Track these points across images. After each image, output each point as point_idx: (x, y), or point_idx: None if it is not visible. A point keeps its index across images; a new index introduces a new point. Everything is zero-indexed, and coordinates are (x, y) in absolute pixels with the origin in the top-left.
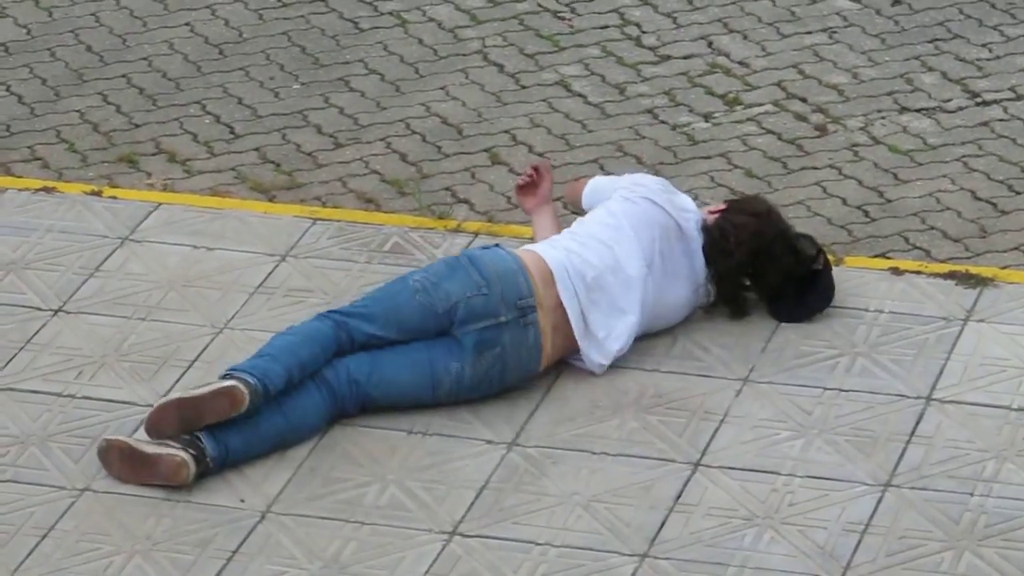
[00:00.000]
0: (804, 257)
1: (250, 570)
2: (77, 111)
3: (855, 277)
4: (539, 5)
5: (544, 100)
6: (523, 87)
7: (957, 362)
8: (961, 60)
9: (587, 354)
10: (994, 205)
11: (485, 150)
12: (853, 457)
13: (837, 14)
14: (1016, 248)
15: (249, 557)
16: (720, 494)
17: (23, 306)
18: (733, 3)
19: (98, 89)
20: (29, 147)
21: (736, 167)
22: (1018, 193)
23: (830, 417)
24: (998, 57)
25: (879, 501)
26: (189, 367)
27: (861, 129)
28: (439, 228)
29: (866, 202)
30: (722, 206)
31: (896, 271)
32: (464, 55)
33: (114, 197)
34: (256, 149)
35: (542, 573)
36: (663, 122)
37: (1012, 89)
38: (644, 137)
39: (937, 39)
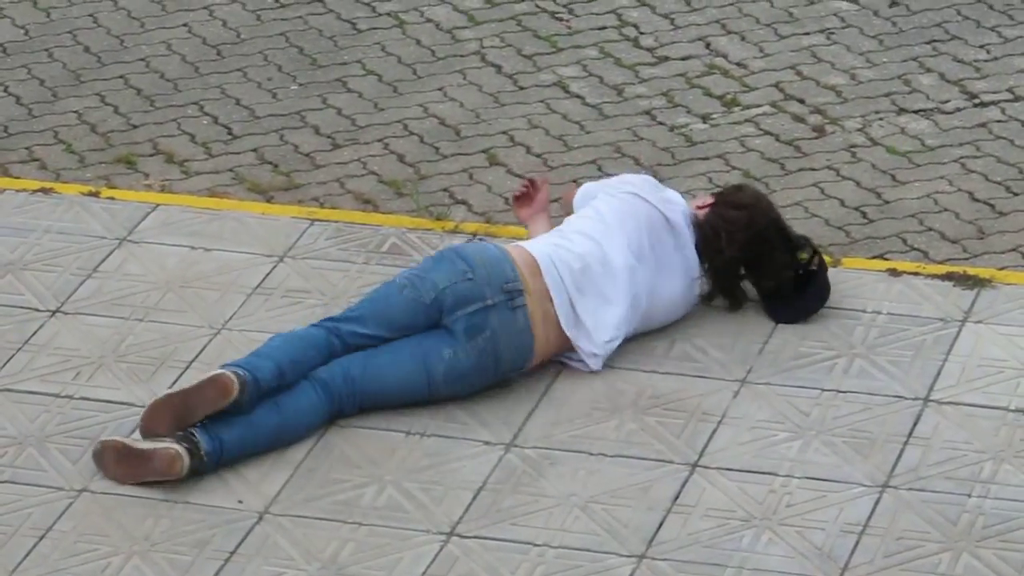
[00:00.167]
0: (795, 241)
1: (248, 571)
2: (75, 112)
3: (853, 278)
4: (537, 6)
5: (542, 101)
6: (521, 88)
7: (955, 363)
8: (959, 61)
9: (577, 343)
10: (992, 206)
11: (483, 151)
12: (851, 458)
13: (835, 15)
14: (1014, 249)
15: (247, 558)
16: (718, 495)
17: (21, 307)
18: (731, 4)
19: (96, 90)
20: (27, 148)
21: (734, 168)
22: (1016, 194)
23: (828, 418)
24: (996, 58)
25: (877, 502)
26: (187, 368)
27: (859, 130)
28: (437, 229)
29: (864, 203)
30: (709, 200)
31: (894, 272)
32: (462, 56)
33: (112, 198)
34: (254, 150)
35: (540, 574)
36: (661, 123)
37: (1010, 90)
38: (642, 138)
39: (935, 40)
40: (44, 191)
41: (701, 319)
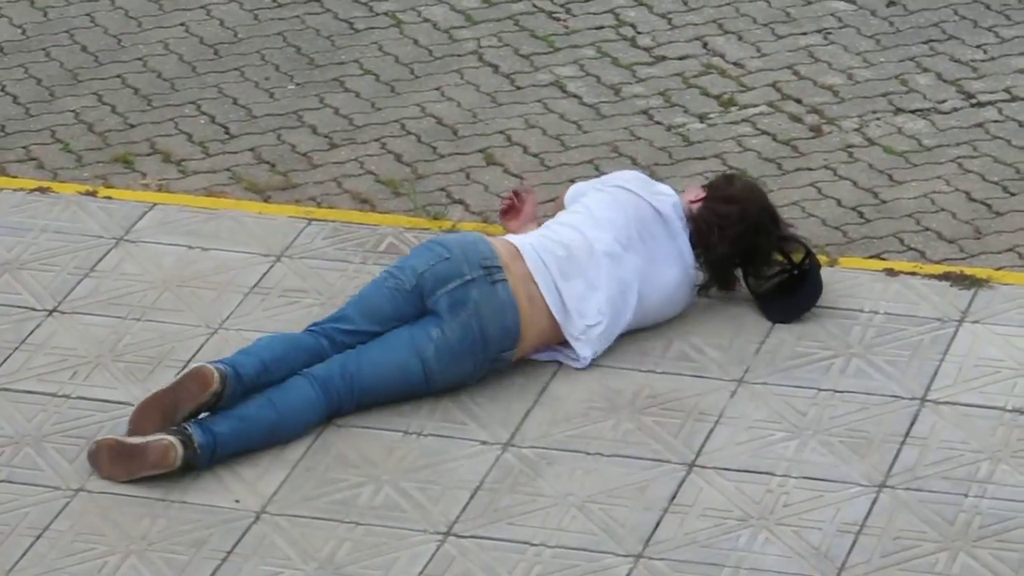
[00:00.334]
0: (786, 232)
1: (245, 571)
2: (72, 111)
3: (850, 278)
4: (534, 6)
5: (539, 101)
6: (518, 88)
7: (952, 363)
8: (956, 61)
9: (566, 328)
10: (989, 206)
11: (480, 151)
12: (848, 458)
13: (832, 15)
14: (1011, 249)
15: (244, 558)
16: (715, 495)
17: (18, 306)
18: (728, 4)
19: (93, 89)
20: (24, 147)
21: (731, 168)
22: (1013, 194)
23: (825, 418)
24: (993, 58)
25: (874, 502)
26: (184, 367)
27: (856, 130)
28: (434, 228)
29: (861, 203)
30: (701, 193)
31: (891, 272)
32: (459, 56)
33: (109, 197)
34: (251, 149)
35: (537, 574)
36: (658, 123)
37: (1007, 90)
38: (639, 138)
39: (932, 40)
40: (41, 190)
41: (698, 319)
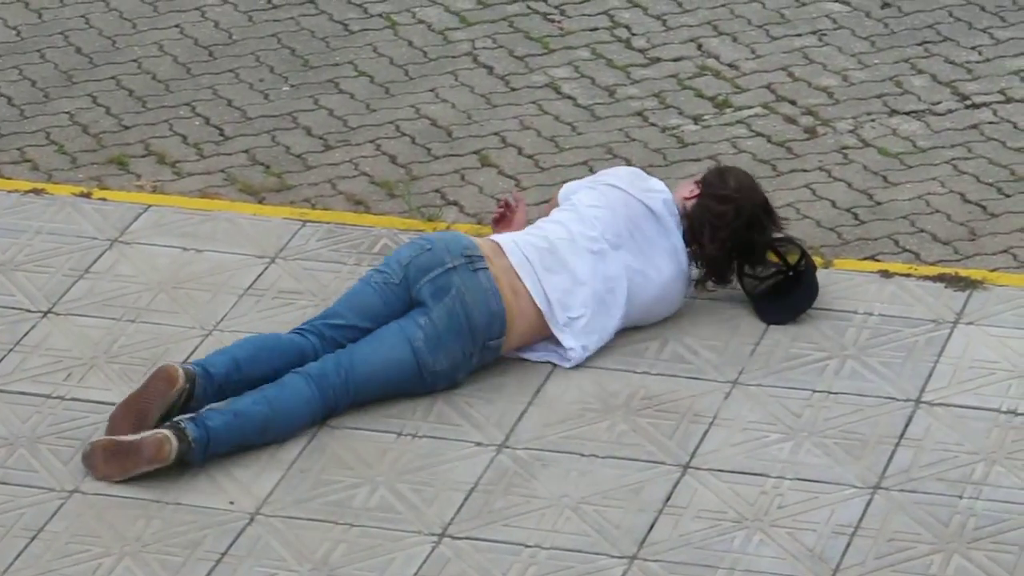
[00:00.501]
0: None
1: (239, 572)
2: (67, 113)
3: (844, 279)
4: (529, 7)
5: (534, 102)
6: (513, 89)
7: (946, 365)
8: (951, 63)
9: (550, 319)
10: (983, 208)
11: (475, 152)
12: (842, 460)
13: (827, 16)
14: (1005, 251)
15: (238, 559)
16: (709, 496)
17: (12, 308)
18: (723, 5)
19: (88, 91)
20: (19, 149)
21: None
22: (1007, 196)
23: (819, 419)
24: (988, 60)
25: (868, 503)
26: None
27: (851, 131)
28: (429, 230)
29: (856, 204)
30: (696, 190)
31: (885, 273)
32: (454, 57)
33: (104, 199)
34: (246, 151)
35: (531, 575)
36: (653, 124)
37: (1002, 92)
38: (634, 139)
39: (927, 42)
40: (36, 192)
41: (693, 320)
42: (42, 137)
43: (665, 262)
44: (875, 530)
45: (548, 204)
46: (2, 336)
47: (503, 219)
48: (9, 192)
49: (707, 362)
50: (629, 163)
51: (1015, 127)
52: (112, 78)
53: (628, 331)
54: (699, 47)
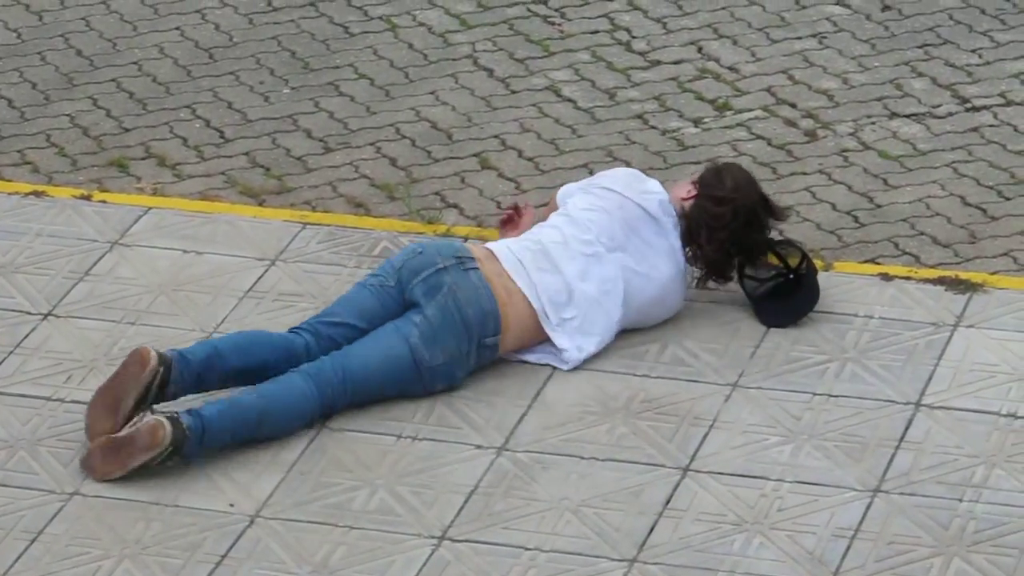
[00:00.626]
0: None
1: (239, 574)
2: (67, 115)
3: (844, 283)
4: (529, 10)
5: (534, 105)
6: (513, 92)
7: (946, 368)
8: (951, 66)
9: (543, 319)
10: (984, 211)
11: (475, 155)
12: (842, 463)
13: (827, 19)
14: (1005, 254)
15: (238, 562)
16: (709, 499)
17: (12, 310)
18: (723, 8)
19: (88, 93)
20: (19, 151)
21: None
22: (1008, 199)
23: (819, 422)
24: (988, 63)
25: (868, 507)
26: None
27: (851, 134)
28: (429, 232)
29: (856, 207)
30: (693, 190)
31: (886, 277)
32: (454, 60)
33: (104, 201)
34: (246, 153)
35: None
36: (653, 127)
37: (1002, 95)
38: (634, 142)
39: (927, 44)
40: (36, 194)
41: (693, 323)
42: (42, 139)
43: (663, 263)
44: (875, 533)
45: (546, 207)
46: (2, 338)
47: (510, 222)
48: (9, 194)
49: (707, 365)
50: (629, 166)
51: (1015, 130)
52: (112, 80)
53: (628, 334)
54: (699, 50)
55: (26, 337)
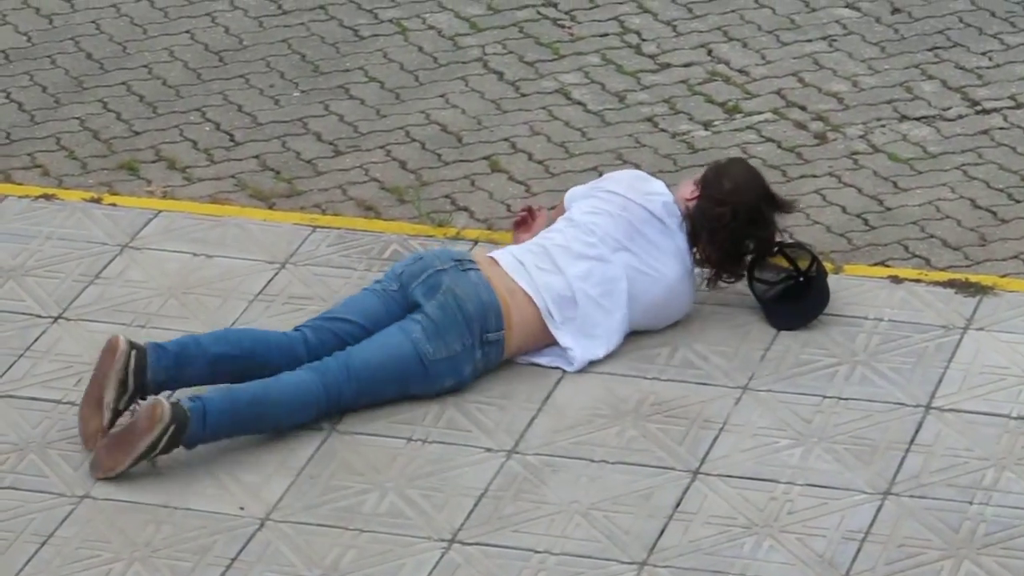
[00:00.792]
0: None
1: None
2: (77, 118)
3: (854, 285)
4: (539, 13)
5: (544, 108)
6: (523, 95)
7: (956, 370)
8: (961, 68)
9: (546, 318)
10: (994, 213)
11: (485, 158)
12: (852, 465)
13: (837, 22)
14: (1016, 256)
15: (248, 565)
16: (719, 502)
17: (23, 313)
18: (733, 11)
19: (98, 96)
20: (29, 154)
21: None
22: (1018, 201)
23: (829, 425)
24: (998, 65)
25: (878, 509)
26: None
27: (861, 137)
28: (439, 236)
29: (866, 210)
30: (696, 191)
31: (896, 279)
32: (464, 63)
33: (114, 204)
34: (256, 156)
35: None
36: (663, 130)
37: (1012, 97)
38: (644, 145)
39: (937, 47)
40: (46, 197)
41: (703, 326)
42: (52, 143)
43: (670, 263)
44: (885, 536)
45: (554, 210)
46: (12, 341)
47: (523, 224)
48: (20, 198)
49: (717, 368)
50: (639, 168)
51: None
52: (123, 84)
53: (638, 337)
54: (709, 53)
55: (36, 340)
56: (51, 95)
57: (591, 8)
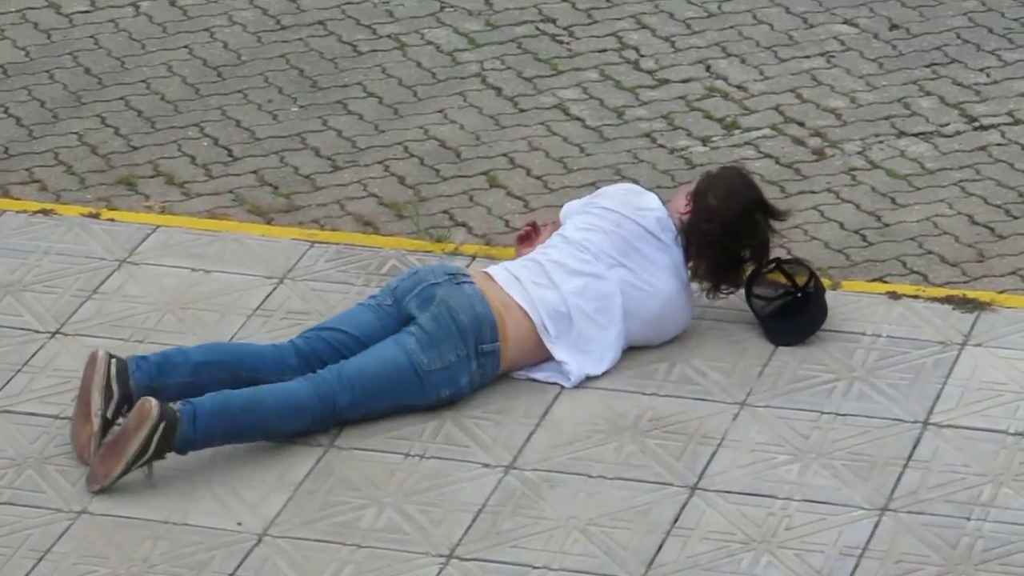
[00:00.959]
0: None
1: None
2: (75, 133)
3: (852, 301)
4: (537, 28)
5: (542, 123)
6: (521, 110)
7: (954, 386)
8: (959, 84)
9: (542, 332)
10: (991, 229)
11: (483, 173)
12: (850, 481)
13: (835, 38)
14: (1013, 272)
15: None
16: (717, 518)
17: (20, 328)
18: (731, 27)
19: (97, 111)
20: (27, 169)
21: None
22: (1015, 217)
23: (827, 441)
24: (996, 82)
25: (876, 525)
26: None
27: (859, 153)
28: (437, 251)
29: (864, 226)
30: (688, 206)
31: (893, 295)
32: (462, 78)
33: (112, 219)
34: (254, 171)
35: None
36: (661, 146)
37: (1010, 113)
38: (642, 161)
39: (935, 63)
40: (44, 212)
41: (701, 341)
42: (51, 157)
43: (666, 278)
44: (883, 552)
45: (552, 224)
46: (10, 356)
47: (527, 238)
48: (18, 212)
49: (715, 383)
50: (637, 183)
51: (1023, 149)
52: (121, 99)
53: (636, 352)
54: (707, 69)
55: (34, 355)
56: (49, 110)
57: (589, 24)
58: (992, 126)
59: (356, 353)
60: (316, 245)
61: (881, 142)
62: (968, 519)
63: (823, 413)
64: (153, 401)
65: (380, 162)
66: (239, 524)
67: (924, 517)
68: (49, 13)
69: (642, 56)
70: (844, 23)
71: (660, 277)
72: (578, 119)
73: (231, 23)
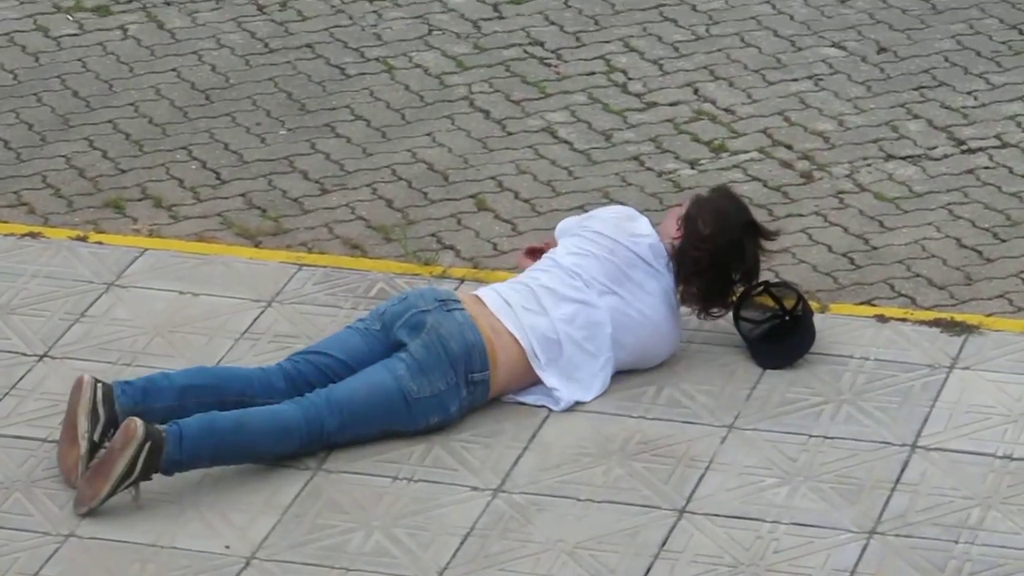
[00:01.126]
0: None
1: None
2: (63, 156)
3: (840, 324)
4: (525, 52)
5: (530, 146)
6: (509, 133)
7: (942, 410)
8: (947, 108)
9: (531, 358)
10: (979, 252)
11: (471, 196)
12: (838, 504)
13: (823, 61)
14: (1001, 295)
15: None
16: (705, 541)
17: (8, 351)
18: (719, 50)
19: (84, 134)
20: (15, 192)
21: None
22: (1003, 241)
23: (815, 464)
24: (983, 105)
25: (864, 548)
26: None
27: (847, 176)
28: (425, 274)
29: (851, 249)
30: (679, 229)
31: (881, 318)
32: (450, 101)
33: (100, 242)
34: (242, 195)
35: None
36: (649, 169)
37: (997, 137)
38: (630, 184)
39: (923, 87)
40: (32, 235)
41: (689, 365)
42: (38, 180)
43: (656, 305)
44: (871, 575)
45: (546, 242)
46: None
47: (535, 253)
48: (5, 236)
49: (703, 407)
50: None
51: (1011, 172)
52: (109, 122)
53: (624, 375)
54: (695, 92)
55: (22, 378)
56: (37, 133)
57: (577, 47)
58: (980, 149)
59: (344, 377)
60: (304, 268)
61: (869, 165)
62: (956, 542)
63: (811, 436)
64: (139, 421)
65: (368, 185)
66: (227, 547)
67: (912, 540)
68: (37, 36)
69: (630, 79)
70: (832, 46)
71: (651, 304)
72: (566, 142)
73: (219, 46)
